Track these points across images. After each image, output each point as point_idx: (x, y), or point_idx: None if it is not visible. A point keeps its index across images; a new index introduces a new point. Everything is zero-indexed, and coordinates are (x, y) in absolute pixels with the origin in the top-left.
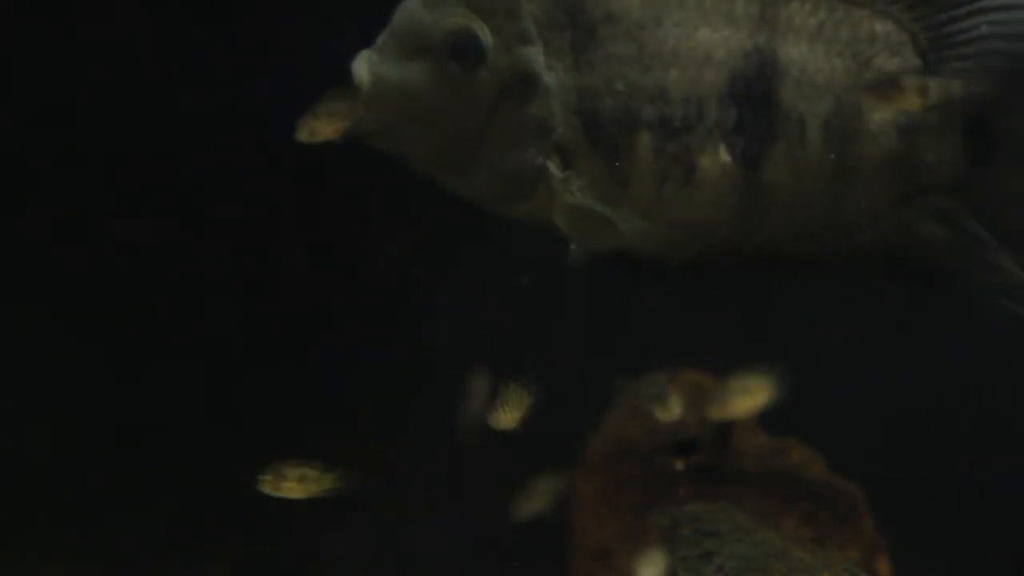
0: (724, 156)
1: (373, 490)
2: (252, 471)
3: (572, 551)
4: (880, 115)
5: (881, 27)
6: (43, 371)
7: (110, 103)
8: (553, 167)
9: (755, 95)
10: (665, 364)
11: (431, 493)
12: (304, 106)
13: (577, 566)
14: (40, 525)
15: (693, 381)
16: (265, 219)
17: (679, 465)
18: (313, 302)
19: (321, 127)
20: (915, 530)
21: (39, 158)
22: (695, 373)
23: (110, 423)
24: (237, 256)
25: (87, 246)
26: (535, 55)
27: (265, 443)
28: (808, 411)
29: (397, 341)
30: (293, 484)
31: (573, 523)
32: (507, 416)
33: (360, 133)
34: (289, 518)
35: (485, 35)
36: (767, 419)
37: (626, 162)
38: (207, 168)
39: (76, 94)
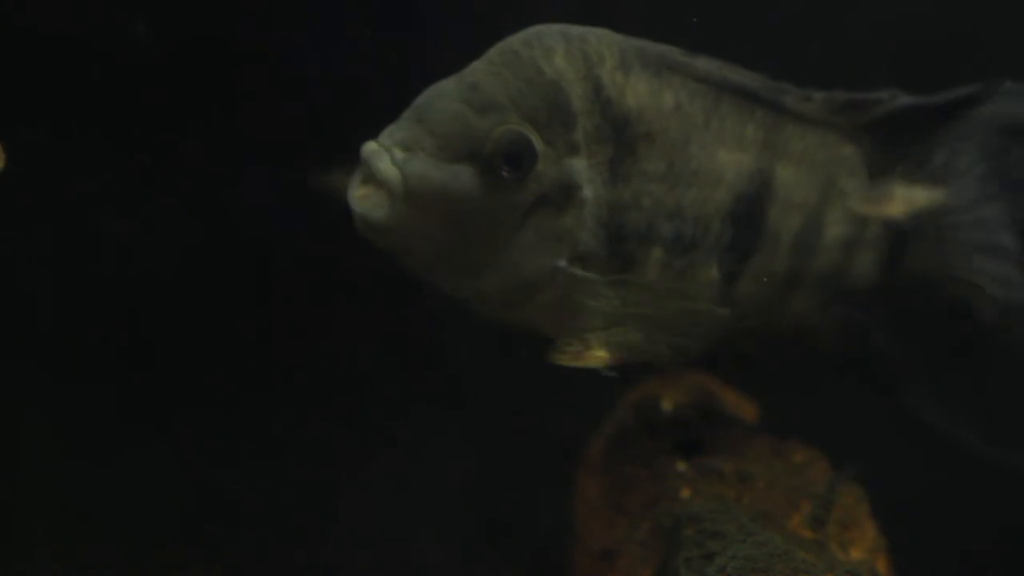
0: (714, 272)
1: (373, 490)
2: (251, 471)
3: (575, 551)
4: (834, 231)
5: (846, 150)
6: (42, 370)
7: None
8: (569, 269)
9: (749, 215)
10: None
11: (432, 492)
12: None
13: (579, 566)
14: (46, 526)
15: (695, 382)
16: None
17: (682, 466)
18: (313, 301)
19: None
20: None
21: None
22: (697, 375)
23: (111, 424)
24: (237, 257)
25: (85, 247)
26: (580, 168)
27: (265, 443)
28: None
29: (399, 342)
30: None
31: (576, 523)
32: None
33: (379, 232)
34: (289, 518)
35: (539, 144)
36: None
37: (636, 273)
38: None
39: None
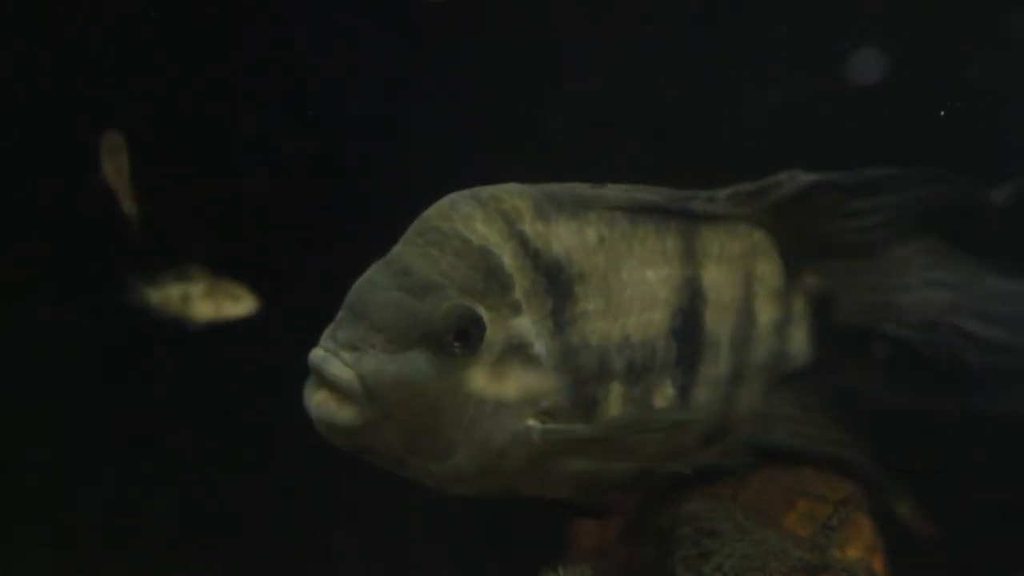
0: (670, 390)
1: (373, 490)
2: (251, 471)
3: (571, 550)
4: (764, 318)
5: (756, 236)
6: (43, 371)
7: None
8: (537, 425)
9: (688, 326)
10: None
11: (432, 493)
12: None
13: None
14: (46, 526)
15: None
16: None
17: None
18: (313, 300)
19: None
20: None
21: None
22: None
23: (111, 424)
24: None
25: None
26: (526, 325)
27: (265, 443)
28: None
29: None
30: None
31: (572, 523)
32: None
33: (347, 434)
34: (289, 518)
35: (484, 312)
36: None
37: (600, 413)
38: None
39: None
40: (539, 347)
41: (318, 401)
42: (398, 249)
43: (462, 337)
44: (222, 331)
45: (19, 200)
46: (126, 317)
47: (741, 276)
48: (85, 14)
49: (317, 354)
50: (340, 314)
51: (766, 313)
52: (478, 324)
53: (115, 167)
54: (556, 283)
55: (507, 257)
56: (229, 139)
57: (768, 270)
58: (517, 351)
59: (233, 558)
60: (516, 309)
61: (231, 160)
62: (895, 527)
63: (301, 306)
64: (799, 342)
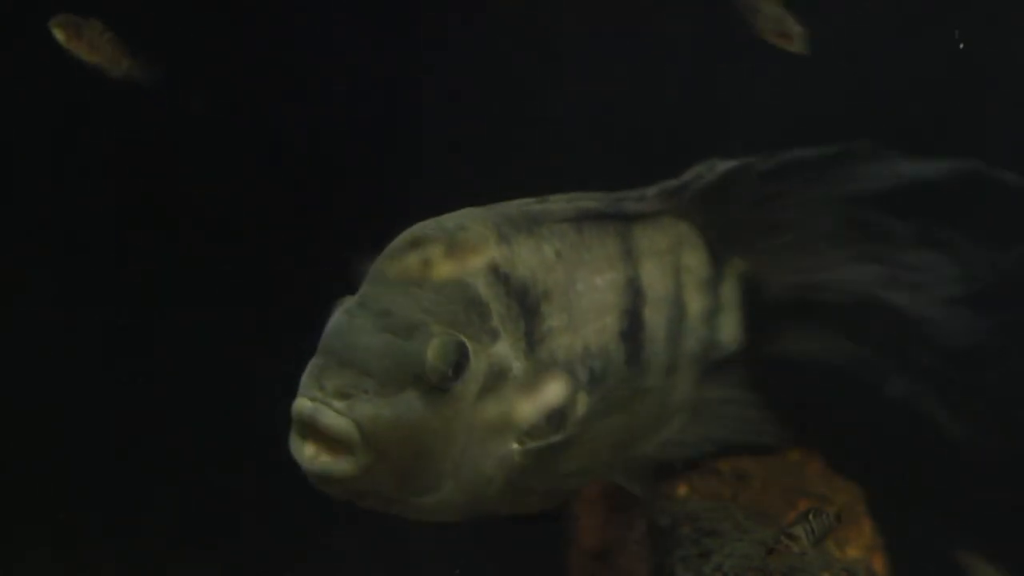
0: (624, 391)
1: None
2: (251, 471)
3: (571, 550)
4: (693, 307)
5: (682, 227)
6: (43, 371)
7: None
8: (523, 450)
9: (634, 326)
10: None
11: None
12: None
13: (576, 565)
14: (46, 526)
15: None
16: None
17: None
18: (313, 301)
19: None
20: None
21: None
22: None
23: (112, 424)
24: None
25: (86, 247)
26: (505, 351)
27: (265, 442)
28: None
29: None
30: None
31: (573, 523)
32: None
33: (345, 484)
34: (289, 518)
35: (469, 344)
36: None
37: (569, 426)
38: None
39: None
40: (517, 370)
41: (310, 456)
42: (371, 289)
43: (455, 370)
44: (222, 331)
45: (19, 200)
46: (126, 317)
47: (671, 269)
48: (84, 13)
49: (304, 405)
50: (320, 361)
51: (695, 303)
52: (465, 356)
53: (85, 43)
54: (525, 305)
55: (481, 287)
56: (229, 139)
57: (695, 260)
58: (498, 377)
59: (233, 558)
60: (495, 336)
61: (231, 160)
62: (895, 527)
63: (301, 306)
64: (729, 329)
